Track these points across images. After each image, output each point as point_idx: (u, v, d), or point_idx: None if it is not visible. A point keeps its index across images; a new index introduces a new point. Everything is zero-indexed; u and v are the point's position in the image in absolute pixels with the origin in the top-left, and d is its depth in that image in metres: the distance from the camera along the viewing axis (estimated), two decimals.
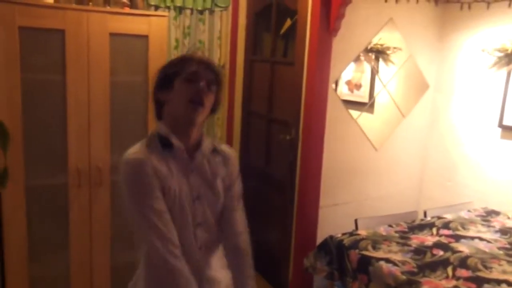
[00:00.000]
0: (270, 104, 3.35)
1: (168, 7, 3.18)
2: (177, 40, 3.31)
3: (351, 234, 2.51)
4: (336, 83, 2.96)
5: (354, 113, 3.06)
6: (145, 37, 2.59)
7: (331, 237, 2.51)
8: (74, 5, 2.45)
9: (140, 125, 2.68)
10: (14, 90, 2.34)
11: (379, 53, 3.12)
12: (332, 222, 3.01)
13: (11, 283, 2.51)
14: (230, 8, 3.50)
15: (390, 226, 2.64)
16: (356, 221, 2.74)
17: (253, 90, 3.58)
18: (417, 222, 2.73)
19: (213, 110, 1.50)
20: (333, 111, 2.91)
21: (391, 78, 3.16)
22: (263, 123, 3.44)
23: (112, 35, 2.51)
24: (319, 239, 2.73)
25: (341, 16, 2.69)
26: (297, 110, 2.92)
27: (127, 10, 2.58)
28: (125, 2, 2.58)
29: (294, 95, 2.94)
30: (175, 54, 3.42)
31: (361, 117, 3.10)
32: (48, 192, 2.57)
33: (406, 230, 2.60)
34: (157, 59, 2.61)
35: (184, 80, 1.40)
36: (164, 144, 1.43)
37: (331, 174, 3.00)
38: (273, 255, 3.31)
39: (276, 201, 3.27)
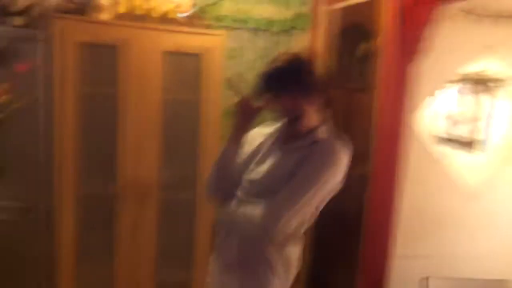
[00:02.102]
0: (344, 134, 3.02)
1: (243, 28, 3.09)
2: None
3: None
4: (435, 117, 2.62)
5: (451, 152, 2.66)
6: (199, 55, 2.53)
7: None
8: (129, 22, 2.47)
9: (192, 144, 2.62)
10: (71, 103, 2.40)
11: (485, 84, 2.66)
12: (407, 277, 2.53)
13: None
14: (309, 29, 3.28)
15: None
16: (427, 279, 2.27)
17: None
18: None
19: (327, 104, 1.63)
20: (417, 148, 2.52)
21: (498, 112, 2.65)
22: None
23: (166, 53, 2.49)
24: None
25: (422, 39, 2.30)
26: (368, 143, 2.56)
27: (182, 28, 2.55)
28: (181, 20, 2.55)
29: (366, 125, 2.59)
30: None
31: (460, 158, 2.67)
32: (97, 202, 2.58)
33: None
34: (211, 78, 2.54)
35: (271, 99, 1.53)
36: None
37: (411, 221, 2.57)
38: None
39: (341, 244, 2.88)
